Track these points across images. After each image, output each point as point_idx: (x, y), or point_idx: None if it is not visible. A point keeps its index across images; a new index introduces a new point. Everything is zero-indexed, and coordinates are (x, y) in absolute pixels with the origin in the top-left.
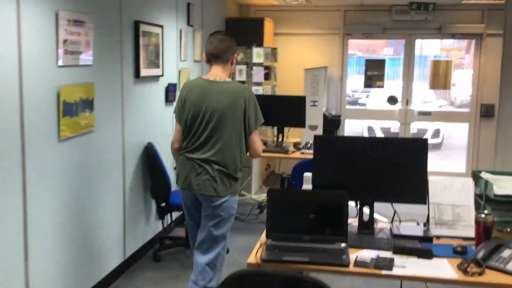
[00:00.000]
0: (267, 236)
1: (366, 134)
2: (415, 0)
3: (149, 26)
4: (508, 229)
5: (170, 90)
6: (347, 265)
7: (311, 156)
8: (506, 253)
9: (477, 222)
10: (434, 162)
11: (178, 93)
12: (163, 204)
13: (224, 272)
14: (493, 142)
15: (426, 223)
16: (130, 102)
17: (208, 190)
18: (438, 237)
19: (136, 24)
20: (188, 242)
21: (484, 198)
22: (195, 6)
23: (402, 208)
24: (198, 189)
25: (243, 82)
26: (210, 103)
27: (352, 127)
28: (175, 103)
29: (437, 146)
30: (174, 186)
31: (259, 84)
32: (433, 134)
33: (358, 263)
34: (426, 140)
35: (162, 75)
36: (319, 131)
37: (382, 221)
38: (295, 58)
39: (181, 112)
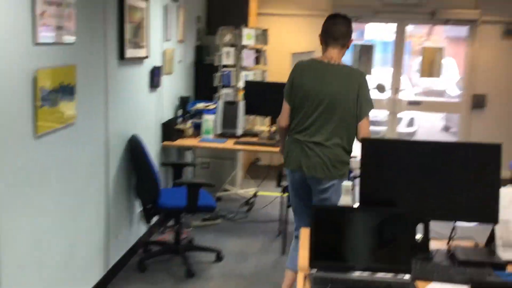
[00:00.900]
0: (311, 265)
1: None
2: None
3: (134, 0)
4: None
5: (154, 74)
6: None
7: None
8: None
9: None
10: None
11: (163, 78)
12: (149, 206)
13: (221, 282)
14: (485, 133)
15: (489, 245)
16: (114, 88)
17: (319, 173)
18: (509, 262)
19: None
20: (177, 247)
21: None
22: None
23: (442, 223)
24: (308, 172)
25: (233, 66)
26: (324, 85)
27: None
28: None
29: (412, 135)
30: (163, 184)
31: (248, 69)
32: (408, 123)
33: None
34: (499, 145)
35: (147, 57)
36: None
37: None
38: (280, 41)
39: (291, 91)
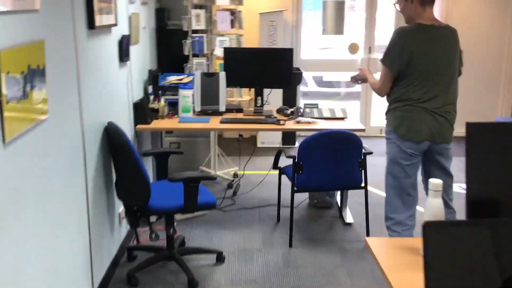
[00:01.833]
0: None
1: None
2: None
3: None
4: None
5: (124, 45)
6: None
7: (310, 126)
8: None
9: None
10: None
11: (133, 48)
12: (136, 208)
13: (228, 285)
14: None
15: None
16: (85, 66)
17: (449, 139)
18: None
19: None
20: (171, 253)
21: None
22: None
23: None
24: (441, 140)
25: (203, 31)
26: (438, 49)
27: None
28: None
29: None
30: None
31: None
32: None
33: None
34: None
35: (115, 24)
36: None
37: None
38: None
39: (398, 60)
